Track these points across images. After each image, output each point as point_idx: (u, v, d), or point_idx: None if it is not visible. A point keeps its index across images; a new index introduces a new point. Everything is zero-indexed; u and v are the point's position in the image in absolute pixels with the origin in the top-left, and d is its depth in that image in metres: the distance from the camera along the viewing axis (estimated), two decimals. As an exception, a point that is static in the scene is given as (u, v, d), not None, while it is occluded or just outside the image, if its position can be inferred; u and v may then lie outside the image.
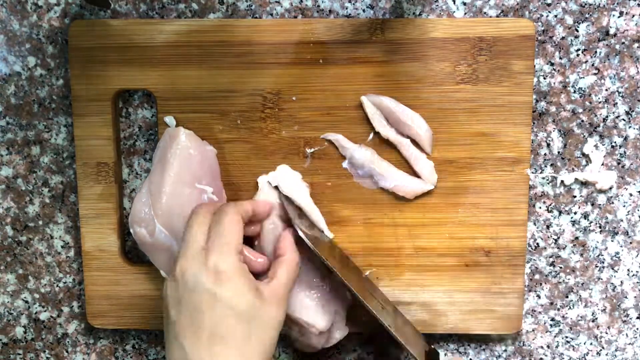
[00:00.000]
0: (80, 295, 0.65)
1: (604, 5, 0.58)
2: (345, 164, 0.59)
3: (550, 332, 0.63)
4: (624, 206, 0.61)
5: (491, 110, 0.58)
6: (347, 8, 0.59)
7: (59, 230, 0.64)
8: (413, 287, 0.60)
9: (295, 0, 0.59)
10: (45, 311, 0.65)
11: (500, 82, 0.57)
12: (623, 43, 0.58)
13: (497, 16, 0.58)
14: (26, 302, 0.65)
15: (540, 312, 0.63)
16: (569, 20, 0.58)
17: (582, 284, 0.62)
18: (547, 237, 0.61)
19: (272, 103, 0.59)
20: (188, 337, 0.48)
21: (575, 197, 0.61)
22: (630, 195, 0.60)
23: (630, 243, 0.61)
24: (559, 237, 0.61)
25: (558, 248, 0.61)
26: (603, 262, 0.62)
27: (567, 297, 0.62)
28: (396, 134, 0.58)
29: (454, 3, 0.58)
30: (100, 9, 0.60)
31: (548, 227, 0.61)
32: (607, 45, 0.58)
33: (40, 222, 0.63)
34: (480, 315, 0.61)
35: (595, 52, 0.58)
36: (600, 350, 0.63)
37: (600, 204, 0.61)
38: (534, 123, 0.59)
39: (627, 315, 0.62)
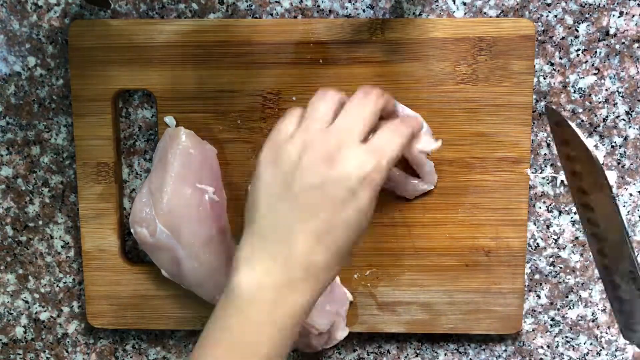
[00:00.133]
0: (80, 295, 0.65)
1: (604, 5, 0.58)
2: (345, 164, 0.59)
3: (550, 332, 0.63)
4: (624, 206, 0.61)
5: (491, 110, 0.58)
6: (347, 8, 0.59)
7: (59, 230, 0.64)
8: (413, 287, 0.60)
9: (295, 0, 0.59)
10: (45, 311, 0.65)
11: (500, 82, 0.57)
12: (623, 43, 0.58)
13: (497, 16, 0.58)
14: (26, 302, 0.65)
15: (540, 312, 0.63)
16: (569, 20, 0.58)
17: (582, 284, 0.62)
18: (547, 237, 0.61)
19: (272, 103, 0.59)
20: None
21: (575, 197, 0.61)
22: (630, 195, 0.60)
23: (630, 243, 0.61)
24: (559, 237, 0.61)
25: (558, 248, 0.61)
26: (603, 262, 0.62)
27: (567, 297, 0.62)
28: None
29: (454, 3, 0.58)
30: (100, 9, 0.60)
31: (548, 227, 0.61)
32: (607, 45, 0.58)
33: (40, 222, 0.63)
34: (480, 315, 0.61)
35: (595, 52, 0.58)
36: (600, 350, 0.63)
37: (600, 204, 0.61)
38: (534, 123, 0.59)
39: (627, 315, 0.62)
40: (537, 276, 0.62)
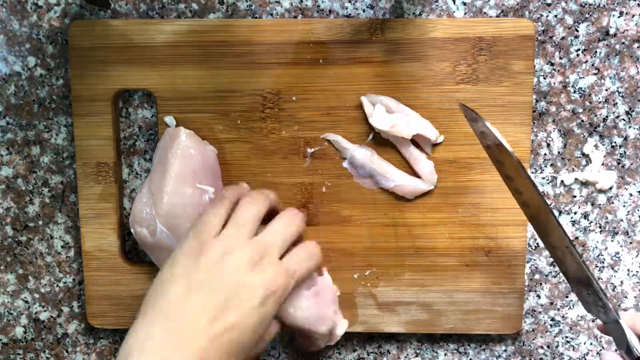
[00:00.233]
0: (80, 295, 0.65)
1: (604, 5, 0.58)
2: (345, 164, 0.59)
3: (550, 332, 0.63)
4: (624, 206, 0.61)
5: (491, 110, 0.58)
6: (347, 8, 0.59)
7: (59, 230, 0.64)
8: (413, 287, 0.60)
9: (295, 0, 0.59)
10: (45, 311, 0.65)
11: (500, 82, 0.57)
12: (623, 43, 0.58)
13: (497, 16, 0.58)
14: (26, 302, 0.65)
15: (540, 312, 0.63)
16: (569, 20, 0.58)
17: (582, 284, 0.62)
18: (547, 237, 0.61)
19: (272, 103, 0.59)
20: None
21: (575, 197, 0.61)
22: (630, 195, 0.60)
23: (630, 243, 0.61)
24: (559, 237, 0.61)
25: (558, 248, 0.61)
26: (603, 262, 0.62)
27: (567, 297, 0.62)
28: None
29: (454, 3, 0.58)
30: (100, 9, 0.60)
31: (548, 227, 0.61)
32: (607, 45, 0.58)
33: (40, 222, 0.63)
34: (480, 315, 0.61)
35: (595, 52, 0.58)
36: (600, 350, 0.63)
37: (600, 204, 0.61)
38: (534, 123, 0.59)
39: (627, 315, 0.62)
40: (537, 276, 0.62)
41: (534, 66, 0.58)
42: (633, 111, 0.59)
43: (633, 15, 0.58)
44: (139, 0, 0.59)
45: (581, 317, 0.62)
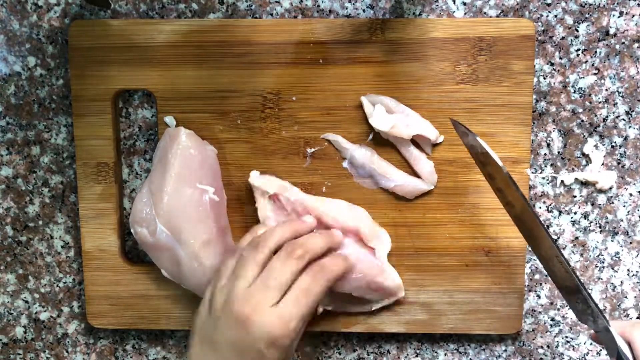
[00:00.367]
0: (80, 295, 0.65)
1: (604, 5, 0.58)
2: (345, 164, 0.59)
3: (550, 332, 0.63)
4: (624, 206, 0.61)
5: (491, 110, 0.58)
6: (347, 8, 0.59)
7: (59, 230, 0.64)
8: (413, 287, 0.60)
9: (295, 0, 0.59)
10: (45, 311, 0.65)
11: (500, 82, 0.57)
12: (623, 43, 0.58)
13: (497, 16, 0.58)
14: (26, 302, 0.65)
15: (540, 312, 0.63)
16: (569, 20, 0.58)
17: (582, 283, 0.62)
18: (547, 237, 0.61)
19: (272, 103, 0.59)
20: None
21: (575, 197, 0.61)
22: (630, 195, 0.60)
23: (630, 243, 0.61)
24: (559, 237, 0.61)
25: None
26: (603, 262, 0.62)
27: (567, 297, 0.62)
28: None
29: (454, 3, 0.58)
30: (100, 9, 0.60)
31: (548, 227, 0.61)
32: (607, 45, 0.58)
33: (40, 222, 0.63)
34: (480, 315, 0.61)
35: (595, 52, 0.58)
36: (600, 350, 0.63)
37: (600, 204, 0.61)
38: (534, 123, 0.59)
39: (627, 315, 0.62)
40: (537, 276, 0.62)
41: (534, 66, 0.58)
42: (633, 111, 0.59)
43: (633, 15, 0.58)
44: (139, 0, 0.59)
45: (581, 317, 0.63)
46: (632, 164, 0.60)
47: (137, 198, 0.57)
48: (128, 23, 0.58)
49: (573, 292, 0.51)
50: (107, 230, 0.61)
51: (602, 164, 0.60)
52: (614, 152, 0.60)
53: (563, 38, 0.58)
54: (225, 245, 0.58)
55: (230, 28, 0.58)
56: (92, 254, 0.61)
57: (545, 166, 0.60)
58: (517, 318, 0.61)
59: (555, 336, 0.63)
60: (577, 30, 0.58)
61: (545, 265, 0.52)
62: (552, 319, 0.63)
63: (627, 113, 0.59)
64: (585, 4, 0.58)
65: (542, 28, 0.58)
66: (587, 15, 0.58)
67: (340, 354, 0.64)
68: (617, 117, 0.59)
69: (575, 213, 0.61)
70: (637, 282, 0.62)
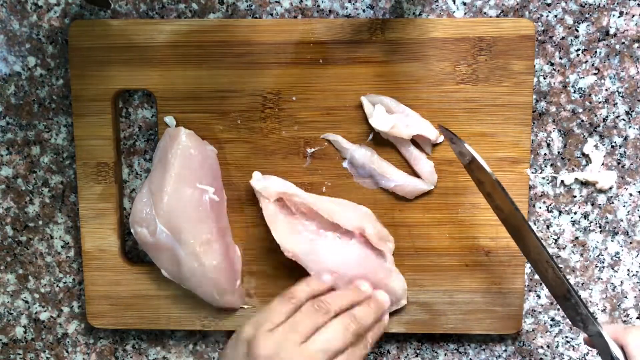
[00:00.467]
0: (80, 295, 0.65)
1: (604, 5, 0.58)
2: (345, 164, 0.59)
3: (550, 332, 0.63)
4: (624, 206, 0.61)
5: (491, 110, 0.58)
6: (347, 8, 0.59)
7: (59, 230, 0.64)
8: (413, 287, 0.60)
9: (295, 0, 0.59)
10: (45, 311, 0.65)
11: (500, 82, 0.57)
12: (623, 43, 0.58)
13: (497, 16, 0.58)
14: (26, 302, 0.65)
15: (540, 312, 0.63)
16: (569, 20, 0.58)
17: (582, 284, 0.62)
18: (547, 237, 0.61)
19: (272, 103, 0.59)
20: None
21: (575, 197, 0.61)
22: (630, 195, 0.60)
23: (630, 243, 0.61)
24: (559, 237, 0.61)
25: (558, 248, 0.61)
26: (603, 262, 0.62)
27: (567, 297, 0.62)
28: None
29: (454, 3, 0.58)
30: (100, 9, 0.60)
31: (548, 227, 0.61)
32: (607, 45, 0.58)
33: (40, 222, 0.63)
34: (480, 315, 0.61)
35: (595, 52, 0.58)
36: (600, 350, 0.63)
37: (600, 204, 0.61)
38: (534, 123, 0.59)
39: (627, 315, 0.62)
40: (537, 276, 0.62)
41: (534, 66, 0.58)
42: (633, 111, 0.59)
43: (633, 15, 0.58)
44: (139, 0, 0.59)
45: (581, 317, 0.63)
46: (632, 164, 0.60)
47: (137, 198, 0.57)
48: (128, 23, 0.58)
49: (566, 298, 0.51)
50: (107, 230, 0.61)
51: (602, 164, 0.60)
52: (614, 152, 0.60)
53: (563, 38, 0.58)
54: (225, 245, 0.58)
55: (230, 28, 0.58)
56: (92, 254, 0.61)
57: (545, 166, 0.60)
58: (517, 318, 0.61)
59: (555, 336, 0.63)
60: (577, 30, 0.58)
61: (537, 269, 0.52)
62: (552, 319, 0.63)
63: (627, 113, 0.59)
64: (585, 4, 0.58)
65: (542, 28, 0.58)
66: (587, 15, 0.58)
67: (340, 354, 0.64)
68: (617, 117, 0.59)
69: (575, 213, 0.61)
70: (637, 282, 0.62)
